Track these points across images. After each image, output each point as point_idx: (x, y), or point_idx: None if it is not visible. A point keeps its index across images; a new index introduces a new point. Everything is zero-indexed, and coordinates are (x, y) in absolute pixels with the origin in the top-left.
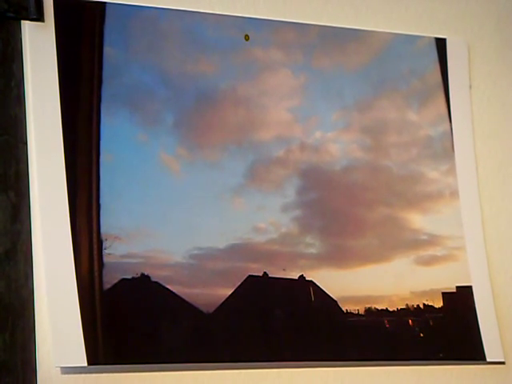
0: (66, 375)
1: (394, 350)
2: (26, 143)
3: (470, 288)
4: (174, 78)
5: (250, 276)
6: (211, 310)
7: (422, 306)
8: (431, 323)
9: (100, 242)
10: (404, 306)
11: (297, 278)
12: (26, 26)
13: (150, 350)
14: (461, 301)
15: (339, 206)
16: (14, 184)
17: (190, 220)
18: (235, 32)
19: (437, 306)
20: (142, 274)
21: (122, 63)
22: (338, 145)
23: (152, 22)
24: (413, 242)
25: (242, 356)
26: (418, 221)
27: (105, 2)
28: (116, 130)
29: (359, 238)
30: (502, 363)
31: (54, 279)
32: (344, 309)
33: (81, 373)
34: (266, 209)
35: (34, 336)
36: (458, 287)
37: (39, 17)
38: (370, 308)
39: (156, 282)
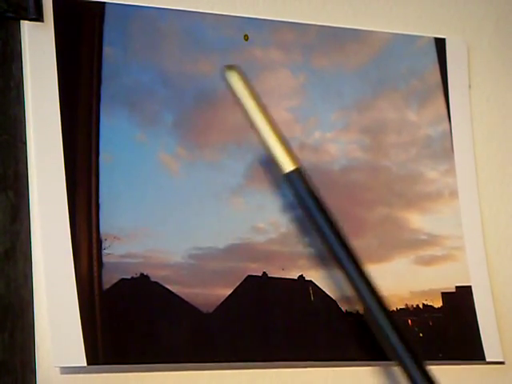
0: (66, 375)
1: None
2: (26, 143)
3: (469, 288)
4: (173, 78)
5: (249, 276)
6: (211, 309)
7: (421, 306)
8: (430, 323)
9: (99, 242)
10: (403, 306)
11: (296, 277)
12: (26, 26)
13: (149, 349)
14: (460, 301)
15: (338, 206)
16: (13, 184)
17: (190, 220)
18: (234, 32)
19: (436, 306)
20: (142, 274)
21: (122, 63)
22: (337, 145)
23: (151, 22)
24: (412, 242)
25: (241, 356)
26: (417, 221)
27: (104, 2)
28: (115, 130)
29: (359, 238)
30: (502, 363)
31: (54, 279)
32: (344, 309)
33: (80, 373)
34: (265, 209)
35: (34, 336)
36: (457, 287)
37: (38, 17)
38: None
39: (155, 282)
